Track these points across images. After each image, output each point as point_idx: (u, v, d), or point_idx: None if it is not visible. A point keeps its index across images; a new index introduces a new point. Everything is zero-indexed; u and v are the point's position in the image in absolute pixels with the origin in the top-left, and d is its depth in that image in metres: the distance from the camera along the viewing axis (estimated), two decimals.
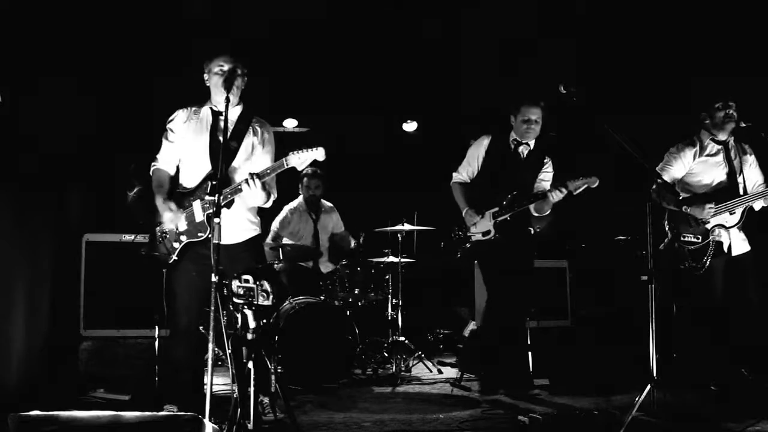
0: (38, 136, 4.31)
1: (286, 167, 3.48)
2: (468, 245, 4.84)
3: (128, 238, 5.01)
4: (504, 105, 5.00)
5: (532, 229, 4.83)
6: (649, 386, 3.69)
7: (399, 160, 7.71)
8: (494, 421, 4.08)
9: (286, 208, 6.50)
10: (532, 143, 4.88)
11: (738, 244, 4.54)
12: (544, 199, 4.61)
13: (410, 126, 7.86)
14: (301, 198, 6.55)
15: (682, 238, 4.53)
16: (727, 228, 4.49)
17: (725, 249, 4.51)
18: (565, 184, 4.53)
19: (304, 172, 6.41)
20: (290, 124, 7.64)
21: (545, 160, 4.94)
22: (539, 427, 3.91)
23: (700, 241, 4.49)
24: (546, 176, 4.93)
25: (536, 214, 4.75)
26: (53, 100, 4.53)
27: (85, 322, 4.87)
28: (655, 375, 3.71)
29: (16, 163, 3.97)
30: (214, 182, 3.39)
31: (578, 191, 4.52)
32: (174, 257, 3.73)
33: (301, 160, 3.45)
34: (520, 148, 4.87)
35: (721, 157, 4.60)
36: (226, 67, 3.72)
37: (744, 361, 4.55)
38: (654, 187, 4.52)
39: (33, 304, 4.17)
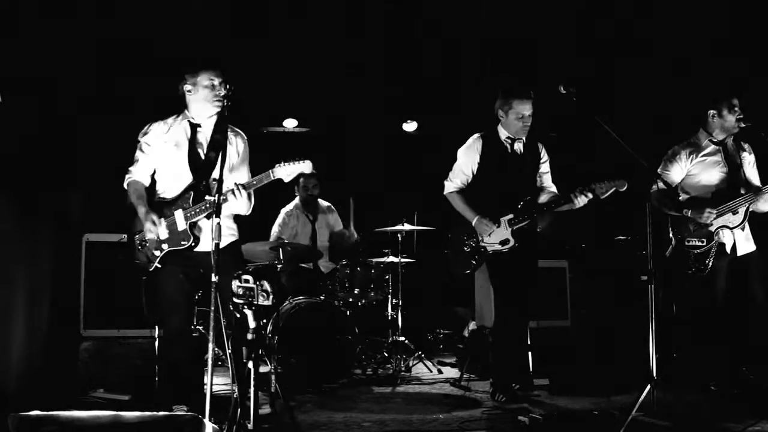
0: (38, 135, 4.31)
1: (272, 179, 3.56)
2: (479, 257, 4.60)
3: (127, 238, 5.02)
4: (491, 101, 4.71)
5: (538, 228, 4.68)
6: (649, 386, 3.70)
7: (399, 160, 7.70)
8: (494, 421, 4.08)
9: (283, 212, 6.46)
10: (524, 137, 4.65)
11: (742, 243, 4.52)
12: (568, 203, 4.40)
13: (410, 126, 7.86)
14: (297, 200, 6.51)
15: (686, 243, 4.51)
16: (731, 228, 4.47)
17: (728, 249, 4.49)
18: (592, 188, 4.30)
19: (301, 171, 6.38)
20: (290, 124, 7.64)
21: (540, 149, 4.72)
22: (539, 427, 3.91)
23: (704, 244, 4.47)
24: (545, 167, 4.73)
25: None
26: (54, 99, 4.53)
27: (85, 322, 4.87)
28: (655, 375, 3.71)
29: (17, 163, 3.97)
30: (209, 190, 3.60)
31: (605, 196, 4.30)
32: (156, 264, 3.77)
33: (287, 172, 3.53)
34: (516, 146, 4.65)
35: (719, 156, 4.58)
36: (216, 82, 3.71)
37: (745, 360, 4.55)
38: (654, 188, 4.52)
39: (33, 304, 4.17)
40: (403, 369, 5.72)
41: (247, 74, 5.85)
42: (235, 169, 3.84)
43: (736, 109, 4.50)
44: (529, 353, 5.11)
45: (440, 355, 6.67)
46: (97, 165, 5.30)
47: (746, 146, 4.65)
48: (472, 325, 6.12)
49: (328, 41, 6.43)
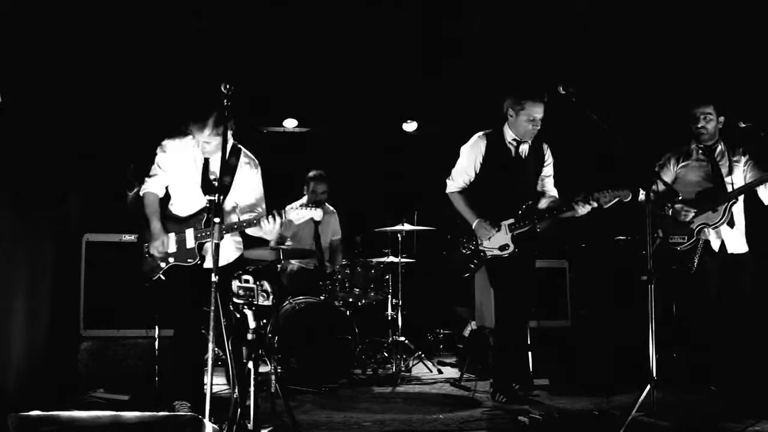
0: (39, 135, 4.31)
1: (285, 219, 3.71)
2: (478, 261, 4.59)
3: (128, 238, 5.03)
4: (494, 100, 4.69)
5: (537, 228, 4.63)
6: (649, 386, 3.70)
7: (399, 160, 7.70)
8: (494, 422, 4.08)
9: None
10: (530, 140, 4.62)
11: (733, 243, 4.58)
12: (570, 211, 4.39)
13: (410, 126, 7.85)
14: (304, 200, 6.49)
15: (670, 240, 4.62)
16: (711, 226, 4.54)
17: (716, 248, 4.56)
18: (596, 197, 4.29)
19: (311, 174, 6.37)
20: (290, 124, 7.63)
21: (545, 150, 4.70)
22: (539, 427, 3.91)
23: (685, 241, 4.58)
24: (548, 170, 4.72)
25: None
26: (54, 100, 4.52)
27: (85, 322, 4.87)
28: (655, 375, 3.71)
29: (17, 162, 3.97)
30: (210, 215, 3.67)
31: (608, 205, 4.31)
32: (160, 275, 3.92)
33: (298, 216, 3.71)
34: (521, 148, 4.61)
35: (706, 160, 4.69)
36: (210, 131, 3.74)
37: (745, 360, 4.56)
38: (654, 188, 4.54)
39: (33, 304, 4.17)
40: (403, 369, 5.72)
41: (247, 74, 5.85)
42: (246, 190, 3.98)
43: (696, 118, 4.64)
44: (529, 353, 5.11)
45: (440, 355, 6.68)
46: (97, 165, 5.29)
47: (739, 150, 4.71)
48: (472, 325, 6.12)
49: (328, 40, 6.42)
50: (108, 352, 4.81)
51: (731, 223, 4.55)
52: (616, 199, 4.30)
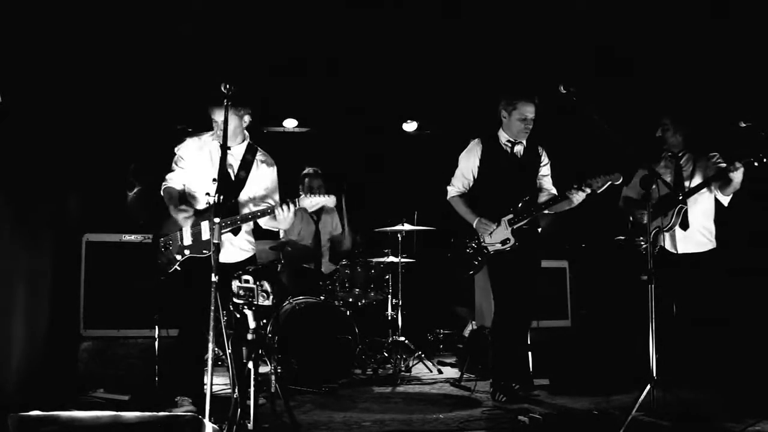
0: (39, 134, 4.31)
1: (297, 207, 3.85)
2: (481, 258, 4.64)
3: (128, 238, 5.03)
4: (494, 101, 4.79)
5: (539, 228, 4.73)
6: (649, 386, 3.70)
7: (399, 160, 7.71)
8: (494, 421, 4.08)
9: None
10: (525, 140, 4.72)
11: (685, 243, 4.70)
12: (566, 200, 4.48)
13: (410, 126, 7.85)
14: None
15: (634, 240, 4.82)
16: (662, 228, 4.67)
17: (671, 249, 4.72)
18: (589, 183, 4.39)
19: (306, 172, 6.39)
20: (290, 124, 7.63)
21: (540, 152, 4.80)
22: (539, 427, 3.91)
23: (643, 240, 4.77)
24: (545, 170, 4.81)
25: (547, 212, 4.68)
26: (54, 100, 4.52)
27: (85, 322, 4.88)
28: (655, 375, 3.71)
29: (17, 162, 3.97)
30: (237, 207, 3.98)
31: (601, 190, 4.41)
32: (176, 267, 3.99)
33: (312, 203, 3.85)
34: (516, 149, 4.71)
35: (670, 167, 4.82)
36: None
37: (743, 359, 4.59)
38: (654, 188, 4.59)
39: (33, 304, 4.17)
40: (403, 369, 5.72)
41: (247, 74, 5.85)
42: (260, 187, 4.12)
43: (664, 127, 4.82)
44: (529, 353, 5.12)
45: (440, 355, 6.68)
46: (97, 165, 5.29)
47: (712, 155, 4.78)
48: (472, 325, 6.12)
49: (328, 40, 6.42)
50: (108, 352, 4.81)
51: (684, 225, 4.68)
52: (608, 183, 4.39)
